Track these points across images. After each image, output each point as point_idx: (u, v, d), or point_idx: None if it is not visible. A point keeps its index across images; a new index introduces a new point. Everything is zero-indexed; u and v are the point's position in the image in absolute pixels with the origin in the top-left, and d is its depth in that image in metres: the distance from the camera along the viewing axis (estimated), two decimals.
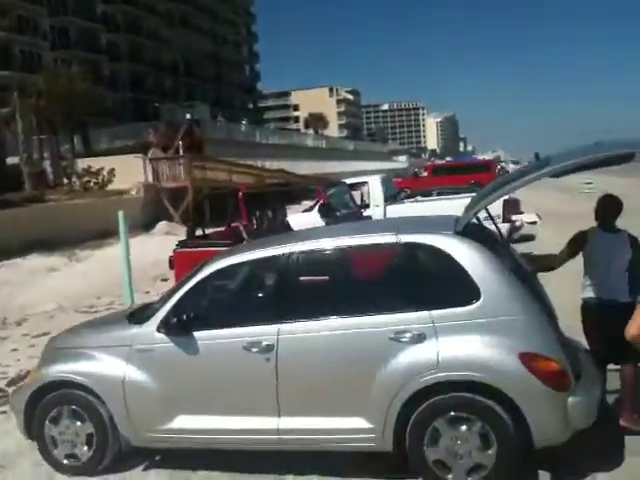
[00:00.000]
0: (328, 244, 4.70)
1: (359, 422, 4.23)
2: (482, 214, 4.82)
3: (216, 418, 4.58)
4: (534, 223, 13.64)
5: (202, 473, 4.77)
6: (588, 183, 30.99)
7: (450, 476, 4.11)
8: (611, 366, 4.94)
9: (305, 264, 4.64)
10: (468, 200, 10.21)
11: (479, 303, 4.05)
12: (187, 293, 4.73)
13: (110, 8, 60.27)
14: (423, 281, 4.33)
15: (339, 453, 4.48)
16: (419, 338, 4.09)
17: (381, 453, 4.33)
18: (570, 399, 3.95)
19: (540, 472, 4.28)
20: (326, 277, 4.83)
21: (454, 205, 8.64)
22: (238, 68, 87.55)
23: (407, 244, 4.34)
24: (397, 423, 4.14)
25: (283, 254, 4.62)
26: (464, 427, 4.05)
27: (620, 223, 4.92)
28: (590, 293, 4.86)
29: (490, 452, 4.02)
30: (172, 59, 69.40)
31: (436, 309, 4.11)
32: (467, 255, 4.15)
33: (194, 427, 4.61)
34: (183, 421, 4.64)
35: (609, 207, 4.88)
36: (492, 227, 11.16)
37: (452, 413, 4.06)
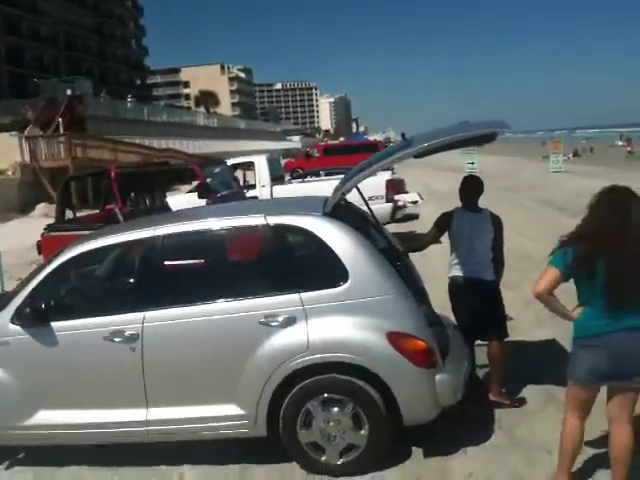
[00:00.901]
0: (195, 226, 4.52)
1: (231, 409, 4.13)
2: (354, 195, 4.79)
3: (80, 412, 4.34)
4: (415, 203, 13.97)
5: (69, 469, 4.52)
6: (471, 163, 32.41)
7: (324, 457, 4.11)
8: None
9: (171, 247, 4.43)
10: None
11: (347, 284, 4.01)
12: (44, 281, 4.42)
13: None
14: (292, 263, 4.24)
15: (212, 441, 4.35)
16: (289, 321, 4.01)
17: (255, 438, 4.25)
18: (437, 376, 4.01)
19: (413, 448, 4.35)
20: (193, 261, 4.64)
21: None
22: (124, 43, 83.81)
23: (275, 226, 4.23)
24: (270, 408, 4.08)
25: (148, 237, 4.40)
26: (336, 409, 4.05)
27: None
28: (456, 272, 4.97)
29: (362, 432, 4.04)
30: (52, 32, 65.41)
31: (306, 291, 4.04)
32: (335, 236, 4.10)
33: (57, 422, 4.35)
34: (45, 416, 4.37)
35: (471, 187, 4.99)
36: (380, 206, 11.64)
37: (324, 395, 4.04)
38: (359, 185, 4.72)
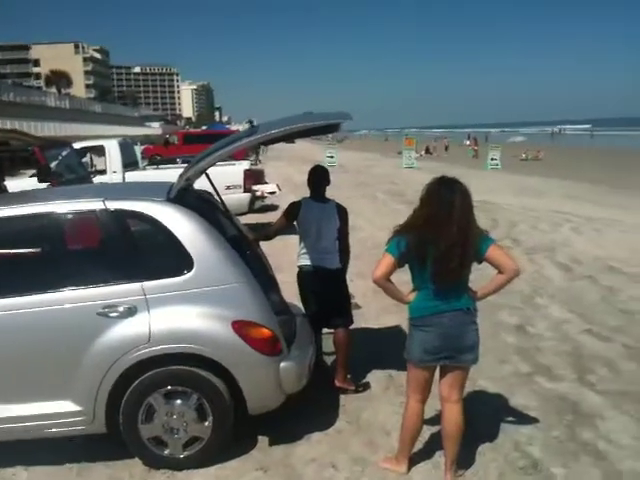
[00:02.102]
0: (27, 210, 4.17)
1: (67, 405, 3.90)
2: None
3: None
4: (273, 193, 14.02)
5: None
6: (330, 157, 33.39)
7: (167, 451, 4.00)
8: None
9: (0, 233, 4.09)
10: (215, 169, 10.24)
11: (192, 273, 3.91)
12: None
13: None
14: (133, 251, 4.04)
15: (48, 440, 4.09)
16: (130, 312, 3.84)
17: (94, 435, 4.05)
18: (282, 364, 4.02)
19: (259, 437, 4.34)
20: (26, 248, 4.30)
21: None
22: None
23: (115, 211, 4.02)
24: (109, 403, 3.89)
25: None
26: (180, 401, 3.95)
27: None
28: (304, 261, 5.02)
29: (207, 424, 3.97)
30: None
31: (148, 280, 3.89)
32: (179, 223, 3.97)
33: None
34: None
35: (318, 178, 5.06)
36: (238, 196, 11.51)
37: (168, 387, 3.92)
38: (212, 173, 4.64)
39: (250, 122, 4.22)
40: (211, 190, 4.98)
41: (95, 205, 4.07)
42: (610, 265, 9.21)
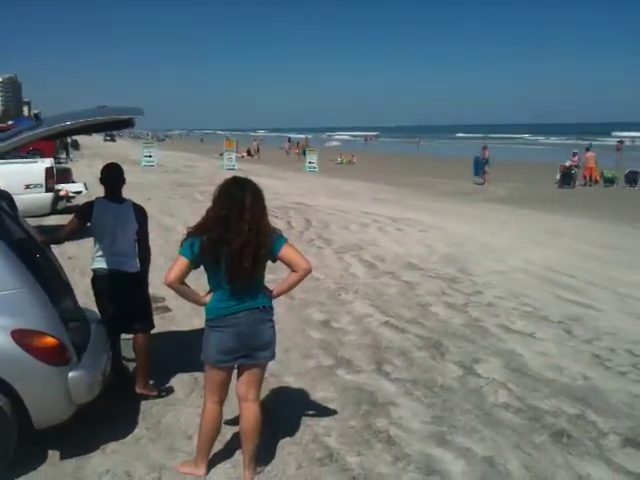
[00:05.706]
0: None
1: None
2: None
3: None
4: (79, 193, 13.25)
5: None
6: (148, 156, 32.57)
7: None
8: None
9: None
10: (14, 166, 9.47)
11: None
12: None
13: None
14: None
15: None
16: None
17: None
18: (71, 374, 3.79)
19: (50, 451, 4.06)
20: None
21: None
22: None
23: None
24: None
25: None
26: None
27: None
28: (99, 264, 4.77)
29: None
30: None
31: None
32: None
33: None
34: None
35: (111, 176, 4.83)
36: (39, 196, 10.74)
37: None
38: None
39: (35, 115, 3.94)
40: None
41: None
42: (409, 262, 9.90)
